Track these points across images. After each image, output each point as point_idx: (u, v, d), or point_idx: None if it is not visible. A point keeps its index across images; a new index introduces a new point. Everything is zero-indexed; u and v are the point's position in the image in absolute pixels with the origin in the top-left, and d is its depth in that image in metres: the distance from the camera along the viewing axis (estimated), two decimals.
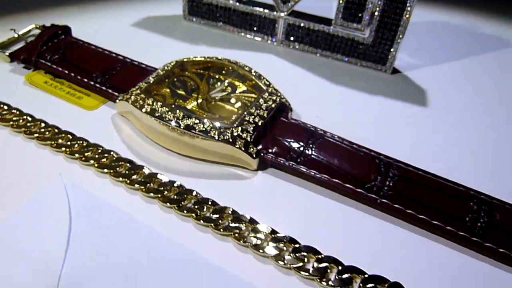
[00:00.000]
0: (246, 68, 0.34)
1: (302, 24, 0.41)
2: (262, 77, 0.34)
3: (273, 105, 0.31)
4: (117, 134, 0.31)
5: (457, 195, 0.27)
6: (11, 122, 0.30)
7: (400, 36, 0.38)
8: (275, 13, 0.42)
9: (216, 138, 0.27)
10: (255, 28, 0.43)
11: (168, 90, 0.32)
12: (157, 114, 0.28)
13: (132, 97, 0.30)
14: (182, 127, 0.28)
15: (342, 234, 0.25)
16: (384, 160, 0.29)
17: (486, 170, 0.31)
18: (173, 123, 0.28)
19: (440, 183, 0.27)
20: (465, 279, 0.23)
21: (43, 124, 0.30)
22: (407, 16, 0.37)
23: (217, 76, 0.35)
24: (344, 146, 0.29)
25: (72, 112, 0.33)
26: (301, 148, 0.29)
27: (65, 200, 0.25)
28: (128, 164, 0.28)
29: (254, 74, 0.34)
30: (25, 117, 0.31)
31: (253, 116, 0.30)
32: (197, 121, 0.28)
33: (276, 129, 0.30)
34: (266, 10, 0.42)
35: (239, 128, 0.28)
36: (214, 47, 0.43)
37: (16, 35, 0.40)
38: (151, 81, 0.32)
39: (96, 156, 0.28)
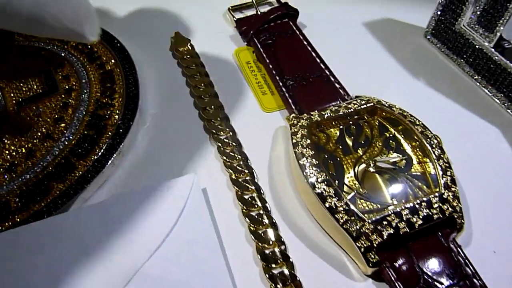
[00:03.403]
0: (437, 151, 0.27)
1: None
2: (450, 172, 0.26)
3: (435, 217, 0.25)
4: (269, 151, 0.30)
5: None
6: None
7: None
8: None
9: (340, 223, 0.24)
10: (498, 84, 0.33)
11: (337, 132, 0.29)
12: (299, 159, 0.26)
13: (296, 121, 0.29)
14: (314, 190, 0.25)
15: None
16: None
17: None
18: (310, 180, 0.26)
19: None
20: None
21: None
22: None
23: (401, 140, 0.29)
24: None
25: (249, 104, 0.33)
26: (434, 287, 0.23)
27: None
28: (255, 194, 0.28)
29: (444, 161, 0.27)
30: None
31: (400, 220, 0.24)
32: (332, 192, 0.25)
33: (419, 244, 0.24)
34: None
35: (372, 226, 0.24)
36: (439, 83, 0.35)
37: (250, 0, 0.40)
38: (327, 115, 0.29)
39: (236, 165, 0.29)
